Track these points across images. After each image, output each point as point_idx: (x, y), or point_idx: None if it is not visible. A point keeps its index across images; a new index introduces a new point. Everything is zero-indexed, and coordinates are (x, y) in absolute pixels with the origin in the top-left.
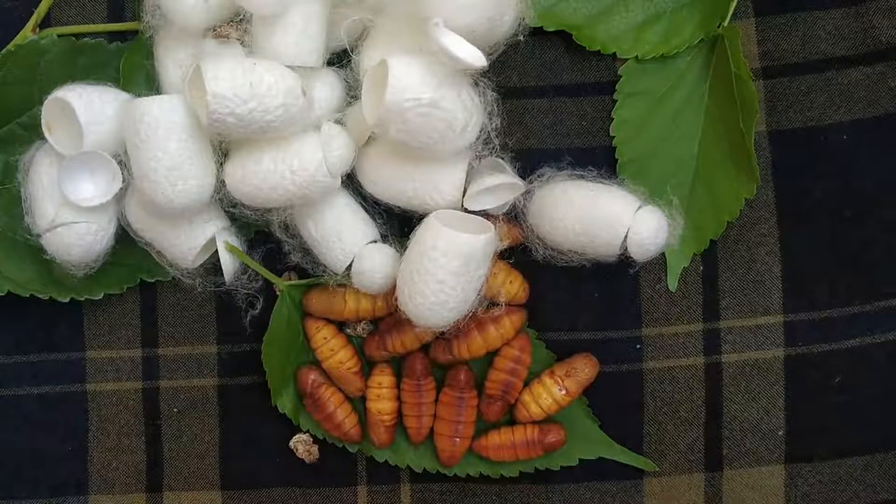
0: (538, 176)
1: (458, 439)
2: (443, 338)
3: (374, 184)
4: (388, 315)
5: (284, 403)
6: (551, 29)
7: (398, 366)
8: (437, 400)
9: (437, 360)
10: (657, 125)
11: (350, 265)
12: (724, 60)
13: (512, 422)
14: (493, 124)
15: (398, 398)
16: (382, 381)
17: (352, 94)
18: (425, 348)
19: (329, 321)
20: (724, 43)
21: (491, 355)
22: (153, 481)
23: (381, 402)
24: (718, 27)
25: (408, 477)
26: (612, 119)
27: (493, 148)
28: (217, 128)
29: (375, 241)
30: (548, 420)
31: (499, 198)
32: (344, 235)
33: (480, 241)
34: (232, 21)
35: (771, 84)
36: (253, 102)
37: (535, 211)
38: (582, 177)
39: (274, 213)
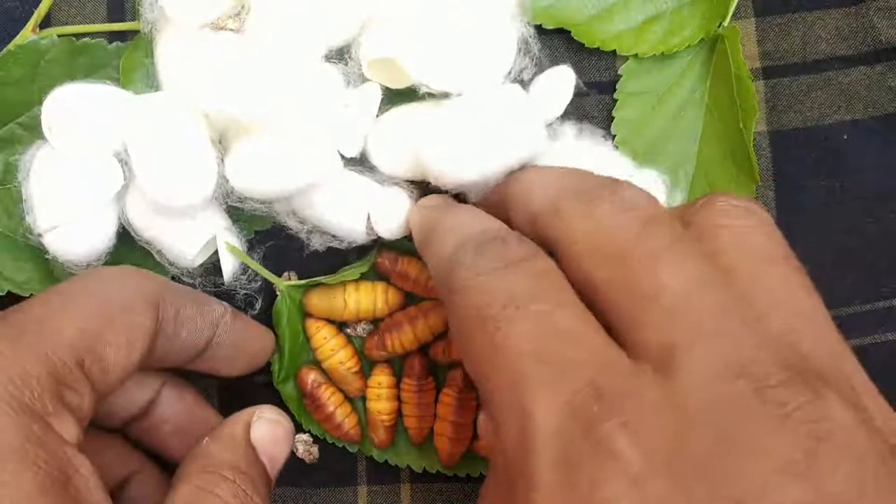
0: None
1: (457, 440)
2: (442, 339)
3: (388, 160)
4: (387, 316)
5: (287, 402)
6: (551, 27)
7: (399, 366)
8: (437, 400)
9: (436, 360)
10: (657, 125)
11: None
12: (724, 60)
13: None
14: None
15: (398, 398)
16: (382, 380)
17: (352, 84)
18: (425, 349)
19: (329, 321)
20: (724, 43)
21: None
22: None
23: (381, 402)
24: (718, 27)
25: (408, 477)
26: (613, 119)
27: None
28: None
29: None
30: None
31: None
32: (354, 197)
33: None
34: (230, 15)
35: (771, 84)
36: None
37: None
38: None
39: (278, 204)
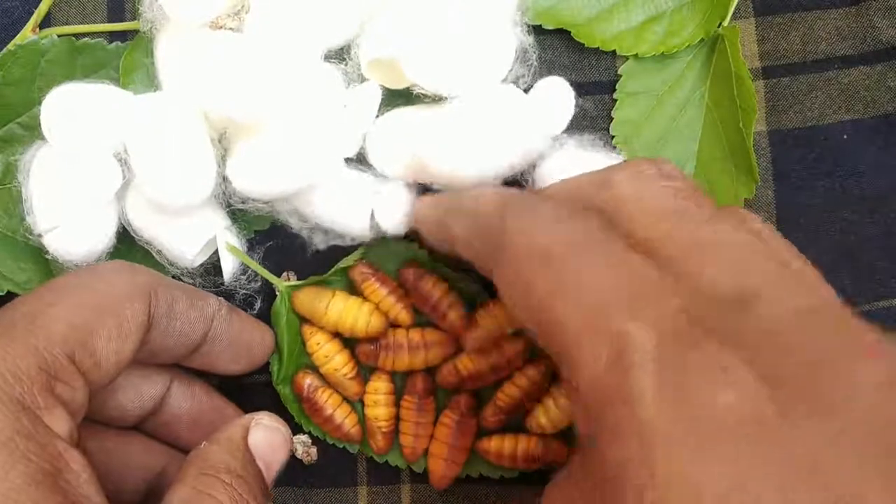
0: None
1: (451, 463)
2: (450, 361)
3: (386, 161)
4: (365, 340)
5: (286, 403)
6: (551, 27)
7: (400, 375)
8: (436, 422)
9: (441, 384)
10: (657, 125)
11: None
12: (724, 60)
13: (518, 429)
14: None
15: (396, 404)
16: (379, 387)
17: (352, 84)
18: (430, 369)
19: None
20: (724, 43)
21: (497, 385)
22: None
23: (378, 408)
24: (718, 27)
25: (408, 477)
26: (612, 119)
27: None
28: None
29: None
30: (555, 435)
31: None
32: (355, 194)
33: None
34: (229, 14)
35: (771, 84)
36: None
37: (543, 180)
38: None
39: (279, 204)
